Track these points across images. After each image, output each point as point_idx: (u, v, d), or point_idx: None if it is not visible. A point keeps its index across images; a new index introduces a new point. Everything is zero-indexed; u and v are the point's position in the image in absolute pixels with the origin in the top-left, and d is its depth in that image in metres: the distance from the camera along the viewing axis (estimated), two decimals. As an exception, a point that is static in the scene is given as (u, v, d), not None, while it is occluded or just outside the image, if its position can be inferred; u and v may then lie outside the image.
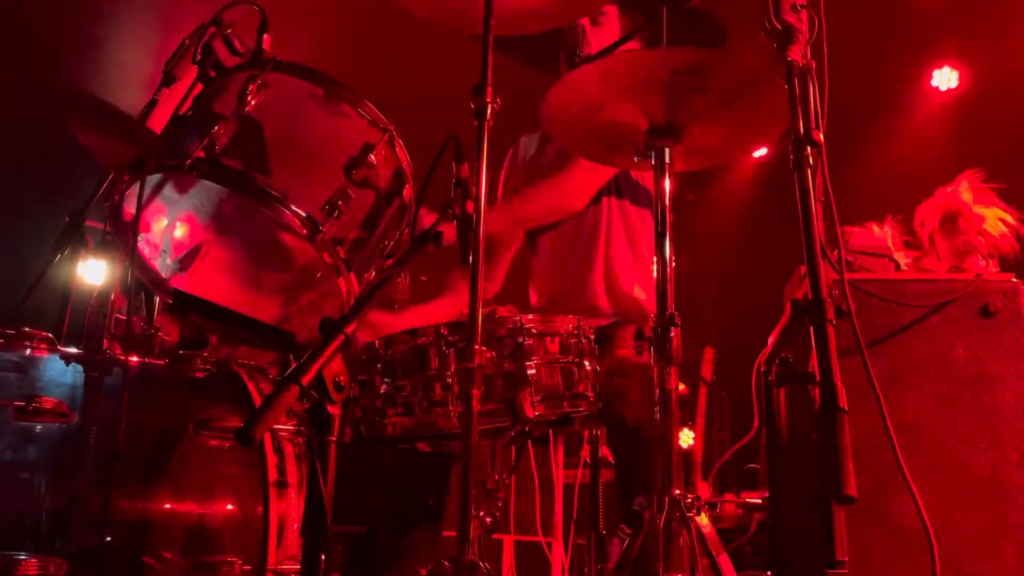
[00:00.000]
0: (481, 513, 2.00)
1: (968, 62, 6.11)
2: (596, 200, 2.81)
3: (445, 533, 2.47)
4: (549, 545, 4.06)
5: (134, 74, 5.12)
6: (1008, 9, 5.41)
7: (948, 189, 3.05)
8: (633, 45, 2.81)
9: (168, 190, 1.76)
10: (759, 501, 3.22)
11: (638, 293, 2.74)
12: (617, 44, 2.70)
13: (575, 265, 2.82)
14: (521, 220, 2.81)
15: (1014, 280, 2.19)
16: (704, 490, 5.21)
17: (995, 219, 2.93)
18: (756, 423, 2.95)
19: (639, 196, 2.84)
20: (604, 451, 2.80)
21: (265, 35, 1.88)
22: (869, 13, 5.09)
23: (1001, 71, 5.80)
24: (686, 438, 4.97)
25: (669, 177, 1.99)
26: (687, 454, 5.27)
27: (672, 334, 1.89)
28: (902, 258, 2.73)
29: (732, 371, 6.01)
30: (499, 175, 3.14)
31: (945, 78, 6.20)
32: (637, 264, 2.77)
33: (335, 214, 1.71)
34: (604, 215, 2.80)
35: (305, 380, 1.27)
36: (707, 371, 5.97)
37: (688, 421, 5.45)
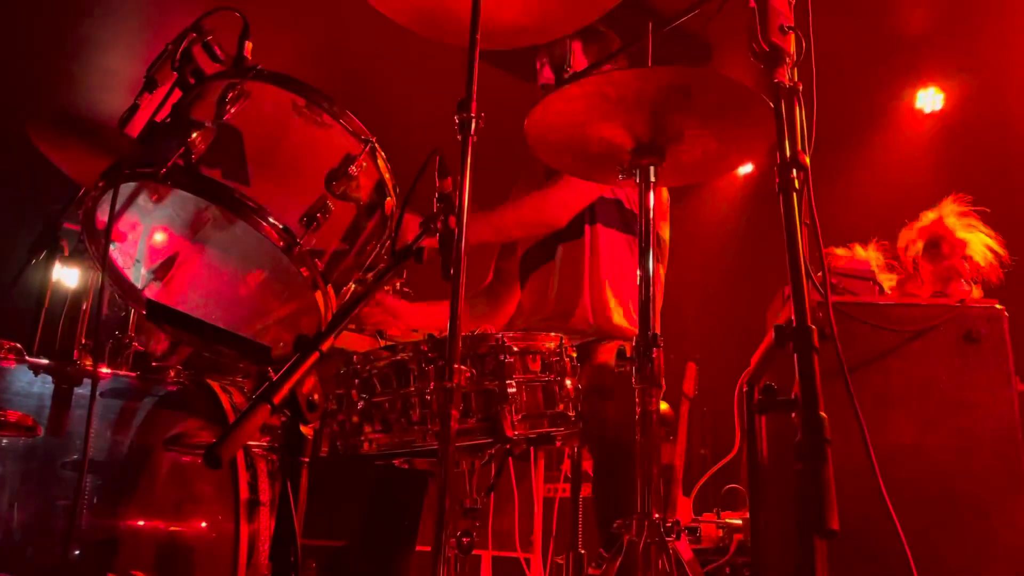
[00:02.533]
0: (458, 533, 1.97)
1: (953, 84, 6.15)
2: (580, 231, 2.81)
3: (420, 548, 2.44)
4: (527, 561, 4.03)
5: (118, 77, 5.08)
6: (993, 31, 5.45)
7: (932, 213, 3.06)
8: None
9: (143, 198, 1.72)
10: (739, 522, 3.20)
11: (621, 320, 2.73)
12: (599, 64, 2.69)
13: (561, 291, 2.79)
14: (502, 229, 2.77)
15: (997, 307, 2.18)
16: (684, 506, 5.19)
17: (979, 244, 2.93)
18: (737, 443, 2.95)
19: (632, 226, 2.82)
20: (585, 466, 2.78)
21: (247, 42, 1.85)
22: (854, 34, 5.11)
23: (986, 93, 5.84)
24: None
25: (654, 193, 1.98)
26: (668, 469, 5.25)
27: (654, 354, 1.87)
28: (886, 281, 2.73)
29: (715, 386, 6.01)
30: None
31: (930, 100, 6.24)
32: (627, 293, 2.75)
33: (314, 226, 1.68)
34: (587, 243, 2.80)
35: (277, 399, 1.24)
36: (690, 387, 5.97)
37: (670, 436, 5.43)
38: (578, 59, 2.82)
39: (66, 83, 5.47)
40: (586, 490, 2.97)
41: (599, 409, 2.33)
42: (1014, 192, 4.71)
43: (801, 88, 1.64)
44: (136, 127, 1.92)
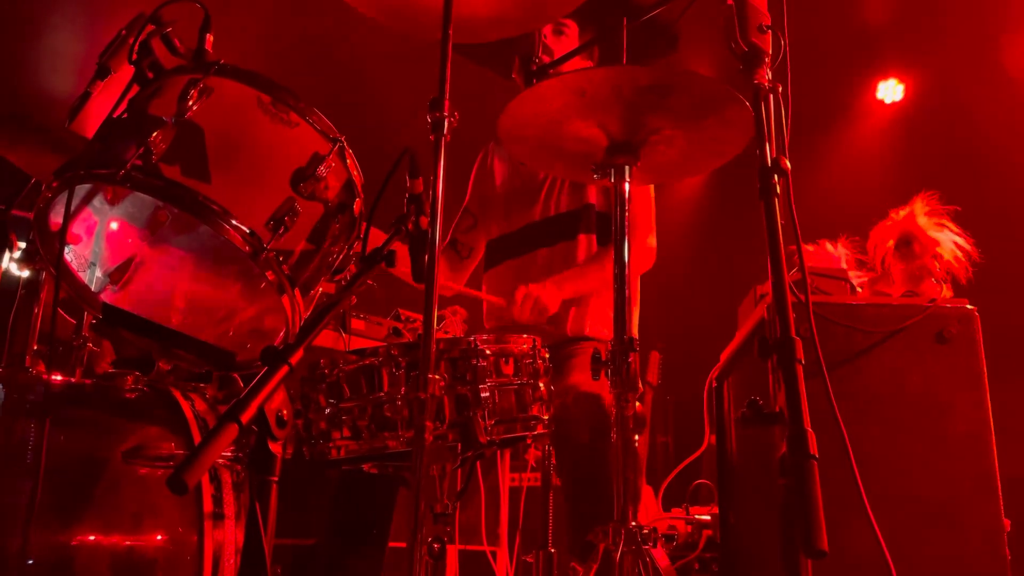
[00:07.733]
0: (430, 539, 1.93)
1: (912, 75, 6.22)
2: (573, 236, 2.77)
3: (392, 544, 2.40)
4: (494, 555, 4.00)
5: (67, 60, 4.89)
6: (950, 22, 5.51)
7: (902, 212, 3.07)
8: (586, 62, 2.77)
9: (99, 200, 1.64)
10: (708, 518, 3.21)
11: (595, 329, 2.71)
12: (567, 57, 2.64)
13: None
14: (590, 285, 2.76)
15: (969, 307, 2.18)
16: (648, 495, 5.20)
17: (949, 243, 2.95)
18: (706, 439, 2.94)
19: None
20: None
21: (208, 35, 1.76)
22: (815, 27, 5.13)
23: (944, 83, 5.91)
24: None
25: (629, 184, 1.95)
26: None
27: (631, 359, 1.84)
28: (855, 277, 2.73)
29: (678, 376, 6.04)
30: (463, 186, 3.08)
31: (891, 91, 6.30)
32: (608, 304, 2.74)
33: (280, 230, 1.61)
34: (582, 251, 2.76)
35: (245, 418, 1.18)
36: (653, 375, 5.99)
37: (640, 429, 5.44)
38: (572, 42, 2.77)
39: (11, 64, 5.26)
40: (554, 479, 2.95)
41: (573, 415, 2.30)
42: (976, 183, 4.78)
43: (780, 89, 1.61)
44: (87, 116, 1.82)
